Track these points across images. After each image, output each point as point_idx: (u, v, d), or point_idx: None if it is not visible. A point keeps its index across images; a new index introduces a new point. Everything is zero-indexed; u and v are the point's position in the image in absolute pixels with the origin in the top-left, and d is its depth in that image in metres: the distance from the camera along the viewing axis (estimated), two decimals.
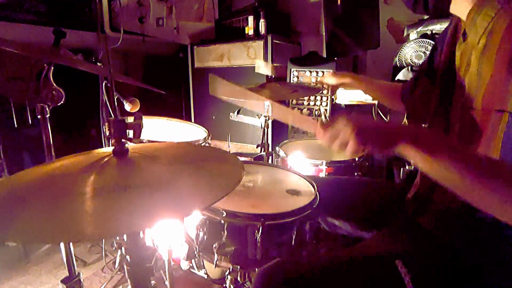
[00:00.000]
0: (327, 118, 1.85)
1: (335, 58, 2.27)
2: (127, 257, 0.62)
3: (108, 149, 0.65)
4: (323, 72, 2.29)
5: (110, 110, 1.46)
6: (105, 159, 0.61)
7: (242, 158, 2.24)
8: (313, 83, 1.49)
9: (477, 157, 0.65)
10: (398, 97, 1.19)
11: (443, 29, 0.97)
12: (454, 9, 0.81)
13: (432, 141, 0.65)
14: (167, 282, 1.22)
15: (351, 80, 1.32)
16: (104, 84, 1.48)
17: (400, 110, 1.23)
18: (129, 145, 0.64)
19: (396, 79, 2.10)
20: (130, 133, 0.62)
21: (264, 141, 1.61)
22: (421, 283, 0.72)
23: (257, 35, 2.46)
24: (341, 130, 0.69)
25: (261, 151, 1.63)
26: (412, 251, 0.79)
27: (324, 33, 2.26)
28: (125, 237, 0.62)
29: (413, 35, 2.17)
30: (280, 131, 2.46)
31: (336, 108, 2.34)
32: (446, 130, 0.85)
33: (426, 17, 2.26)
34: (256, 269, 0.85)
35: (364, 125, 0.67)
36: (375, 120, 0.70)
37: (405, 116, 2.15)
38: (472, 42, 0.75)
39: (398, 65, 2.15)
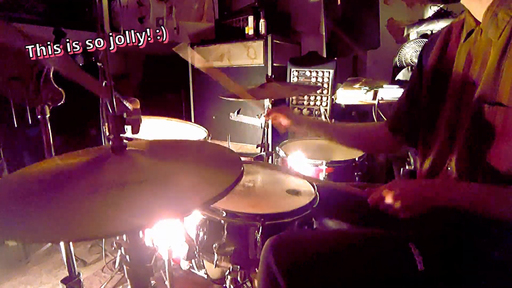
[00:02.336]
0: (327, 118, 1.84)
1: (335, 58, 2.27)
2: (127, 257, 0.62)
3: (106, 146, 0.65)
4: (323, 72, 2.29)
5: (109, 107, 1.46)
6: (104, 156, 0.61)
7: (242, 158, 2.24)
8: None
9: (500, 190, 0.70)
10: (382, 132, 1.06)
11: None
12: (466, 1, 0.80)
13: (460, 195, 0.72)
14: (167, 282, 1.22)
15: (302, 128, 1.17)
16: (104, 84, 1.47)
17: (382, 150, 1.18)
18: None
19: (396, 79, 2.10)
20: (129, 129, 0.62)
21: (264, 141, 1.61)
22: (432, 266, 0.74)
23: (257, 35, 2.45)
24: (389, 203, 0.77)
25: (261, 151, 1.63)
26: (424, 237, 0.81)
27: (324, 33, 2.27)
28: (124, 237, 0.62)
29: (413, 35, 2.17)
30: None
31: (336, 108, 2.34)
32: (444, 127, 0.85)
33: (426, 17, 2.26)
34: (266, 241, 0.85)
35: (407, 197, 0.75)
36: (414, 188, 0.78)
37: None
38: (492, 38, 0.74)
39: (398, 65, 2.15)
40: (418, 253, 0.75)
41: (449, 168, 0.83)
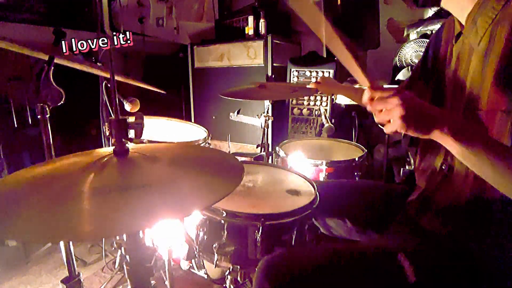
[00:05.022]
0: (327, 118, 1.84)
1: (335, 58, 2.27)
2: (127, 257, 0.62)
3: (108, 149, 0.65)
4: (323, 72, 2.30)
5: (110, 110, 1.46)
6: (105, 159, 0.61)
7: (242, 158, 2.24)
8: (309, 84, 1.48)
9: (508, 148, 0.65)
10: None
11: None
12: (447, 5, 0.81)
13: (469, 133, 0.63)
14: (167, 282, 1.22)
15: (343, 93, 1.36)
16: (104, 84, 1.48)
17: None
18: (130, 145, 0.64)
19: (396, 79, 2.10)
20: (131, 133, 0.62)
21: (264, 141, 1.61)
22: (424, 275, 0.73)
23: (257, 35, 2.45)
24: (389, 105, 0.65)
25: (261, 151, 1.63)
26: (415, 247, 0.80)
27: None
28: (125, 237, 0.62)
29: (413, 35, 2.17)
30: (280, 131, 2.46)
31: (336, 108, 2.34)
32: None
33: (426, 17, 2.26)
34: (259, 262, 0.85)
35: (412, 107, 0.64)
36: (421, 101, 0.66)
37: None
38: (472, 43, 0.75)
39: (398, 65, 2.15)
40: (409, 264, 0.74)
41: (443, 167, 0.84)
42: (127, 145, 0.62)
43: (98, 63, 1.27)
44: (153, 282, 0.66)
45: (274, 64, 2.40)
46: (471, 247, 0.76)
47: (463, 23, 0.78)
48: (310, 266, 0.78)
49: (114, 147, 0.62)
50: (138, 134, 0.62)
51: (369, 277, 0.77)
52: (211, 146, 1.66)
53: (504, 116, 0.68)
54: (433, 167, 0.87)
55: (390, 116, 0.65)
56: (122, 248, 0.62)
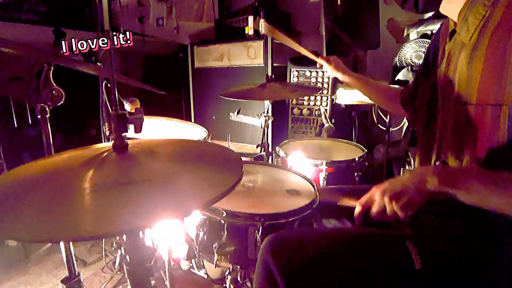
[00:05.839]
0: (327, 118, 1.84)
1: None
2: (127, 257, 0.62)
3: (107, 144, 0.65)
4: (323, 72, 2.30)
5: (110, 110, 1.46)
6: (105, 154, 0.61)
7: (242, 158, 2.24)
8: (313, 55, 1.50)
9: (502, 175, 0.66)
10: (397, 101, 1.17)
11: None
12: (444, 9, 0.83)
13: (460, 178, 0.68)
14: (167, 282, 1.22)
15: (348, 79, 1.36)
16: (104, 84, 1.48)
17: (397, 113, 1.23)
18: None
19: (396, 79, 2.10)
20: (131, 128, 0.61)
21: (264, 141, 1.61)
22: (430, 264, 0.74)
23: (257, 35, 2.45)
24: (378, 201, 0.76)
25: (261, 151, 1.63)
26: (422, 236, 0.81)
27: (324, 33, 2.26)
28: (124, 237, 0.62)
29: (413, 35, 2.17)
30: (280, 131, 2.46)
31: (336, 108, 2.34)
32: (436, 126, 0.86)
33: (426, 17, 2.26)
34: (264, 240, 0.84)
35: (395, 191, 0.72)
36: (400, 178, 0.74)
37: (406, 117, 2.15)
38: (464, 40, 0.76)
39: (398, 65, 2.15)
40: (416, 252, 0.75)
41: (437, 164, 0.85)
42: (126, 140, 0.62)
43: (98, 63, 1.27)
44: (153, 282, 0.66)
45: (274, 64, 2.39)
46: (474, 241, 0.76)
47: (456, 20, 0.80)
48: (316, 244, 0.79)
49: (113, 142, 0.61)
50: (138, 129, 0.62)
51: (377, 259, 0.77)
52: None
53: (495, 111, 0.69)
54: (429, 165, 0.88)
55: (387, 211, 0.74)
56: (122, 248, 0.62)
